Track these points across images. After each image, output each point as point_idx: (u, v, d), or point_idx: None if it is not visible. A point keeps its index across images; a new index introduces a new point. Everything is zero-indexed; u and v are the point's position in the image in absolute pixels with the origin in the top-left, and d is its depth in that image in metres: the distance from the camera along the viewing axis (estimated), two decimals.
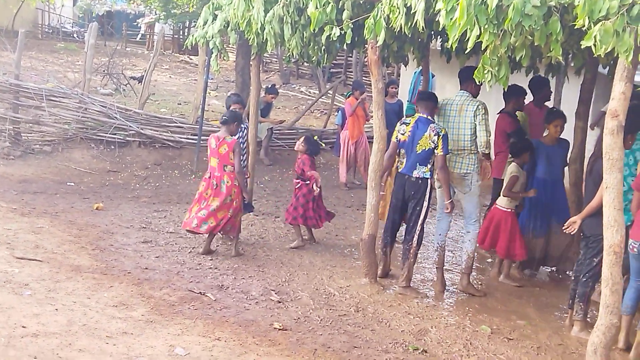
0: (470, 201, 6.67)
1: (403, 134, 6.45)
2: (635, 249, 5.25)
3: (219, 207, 6.93)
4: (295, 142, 8.07)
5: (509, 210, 7.01)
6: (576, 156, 7.48)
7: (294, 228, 7.80)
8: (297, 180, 7.77)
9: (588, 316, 5.90)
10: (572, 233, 5.82)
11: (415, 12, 5.06)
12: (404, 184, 6.42)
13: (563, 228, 5.93)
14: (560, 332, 5.97)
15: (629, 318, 5.55)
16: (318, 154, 7.93)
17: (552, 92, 8.13)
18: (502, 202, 7.07)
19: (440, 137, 6.27)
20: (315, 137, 9.17)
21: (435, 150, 6.29)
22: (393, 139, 6.61)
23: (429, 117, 6.42)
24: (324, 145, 12.80)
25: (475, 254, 6.89)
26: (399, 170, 6.55)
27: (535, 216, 7.11)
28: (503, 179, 7.86)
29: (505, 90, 6.58)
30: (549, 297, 6.84)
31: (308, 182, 7.66)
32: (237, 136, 7.13)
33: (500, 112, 7.91)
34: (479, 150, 6.58)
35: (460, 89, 6.67)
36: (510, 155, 7.26)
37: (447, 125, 6.55)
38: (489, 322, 6.03)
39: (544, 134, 7.24)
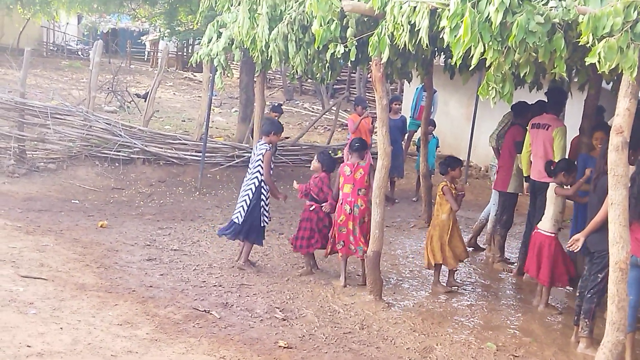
0: None
1: None
2: None
3: (360, 231, 6.90)
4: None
5: (553, 234, 6.69)
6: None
7: (305, 255, 7.38)
8: (311, 203, 7.22)
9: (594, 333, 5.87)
10: (575, 251, 5.79)
11: (420, 29, 5.08)
12: None
13: (567, 246, 5.90)
14: (566, 349, 5.93)
15: (631, 335, 5.52)
16: (334, 169, 7.34)
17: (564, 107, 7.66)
18: (545, 225, 6.75)
19: None
20: (331, 152, 8.90)
21: None
22: None
23: None
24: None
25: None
26: None
27: None
28: (509, 192, 7.87)
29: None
30: (554, 314, 6.80)
31: (323, 204, 7.16)
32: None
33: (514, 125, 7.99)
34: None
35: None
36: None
37: None
38: (494, 339, 6.01)
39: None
